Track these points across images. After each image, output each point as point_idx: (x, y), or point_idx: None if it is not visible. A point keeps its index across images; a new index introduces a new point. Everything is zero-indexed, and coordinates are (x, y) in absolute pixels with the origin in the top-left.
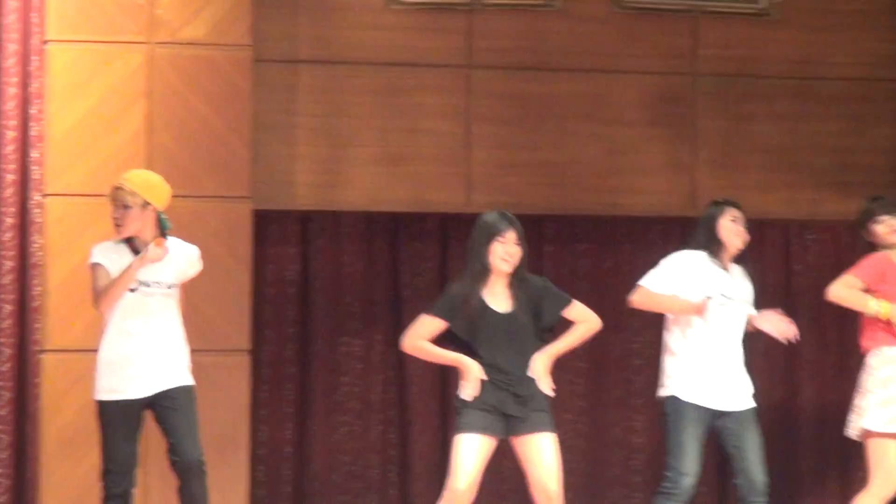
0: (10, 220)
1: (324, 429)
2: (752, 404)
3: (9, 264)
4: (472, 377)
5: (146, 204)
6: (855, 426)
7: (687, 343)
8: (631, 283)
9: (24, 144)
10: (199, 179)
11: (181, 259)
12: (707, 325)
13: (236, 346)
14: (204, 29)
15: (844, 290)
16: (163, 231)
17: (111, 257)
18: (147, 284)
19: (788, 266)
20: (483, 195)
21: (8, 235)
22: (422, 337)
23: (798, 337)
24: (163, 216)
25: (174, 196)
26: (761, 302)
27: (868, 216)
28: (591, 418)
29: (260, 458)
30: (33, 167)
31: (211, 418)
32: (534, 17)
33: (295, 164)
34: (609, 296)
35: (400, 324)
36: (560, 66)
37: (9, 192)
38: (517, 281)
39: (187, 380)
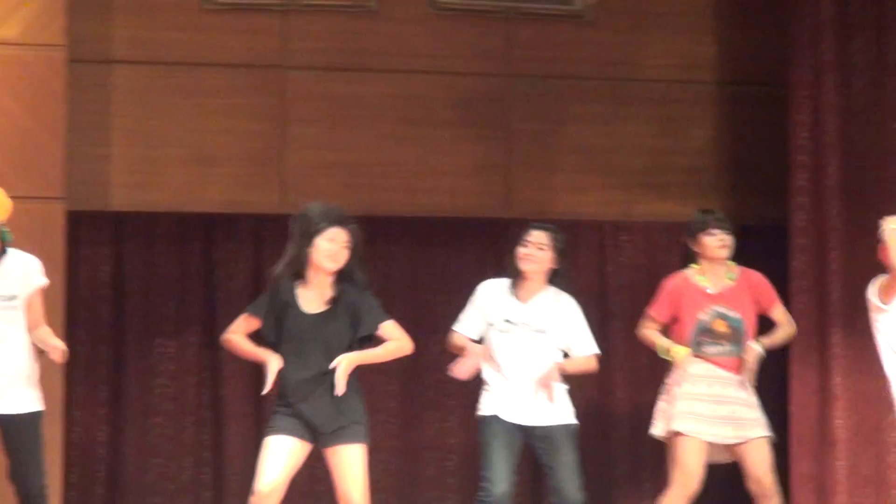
0: None
1: (137, 430)
2: (562, 421)
3: None
4: (270, 371)
5: None
6: (658, 426)
7: (492, 363)
8: (445, 284)
9: None
10: (10, 180)
11: (18, 271)
12: (500, 349)
13: None
14: (17, 29)
15: (644, 332)
16: (3, 243)
17: None
18: None
19: (602, 267)
20: (297, 196)
21: None
22: (235, 332)
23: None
24: (3, 228)
25: None
26: (579, 301)
27: (701, 227)
28: (404, 419)
29: (73, 459)
30: None
31: None
32: (349, 18)
33: (109, 164)
34: (423, 297)
35: (214, 325)
36: (375, 67)
37: None
38: (341, 283)
39: (34, 405)
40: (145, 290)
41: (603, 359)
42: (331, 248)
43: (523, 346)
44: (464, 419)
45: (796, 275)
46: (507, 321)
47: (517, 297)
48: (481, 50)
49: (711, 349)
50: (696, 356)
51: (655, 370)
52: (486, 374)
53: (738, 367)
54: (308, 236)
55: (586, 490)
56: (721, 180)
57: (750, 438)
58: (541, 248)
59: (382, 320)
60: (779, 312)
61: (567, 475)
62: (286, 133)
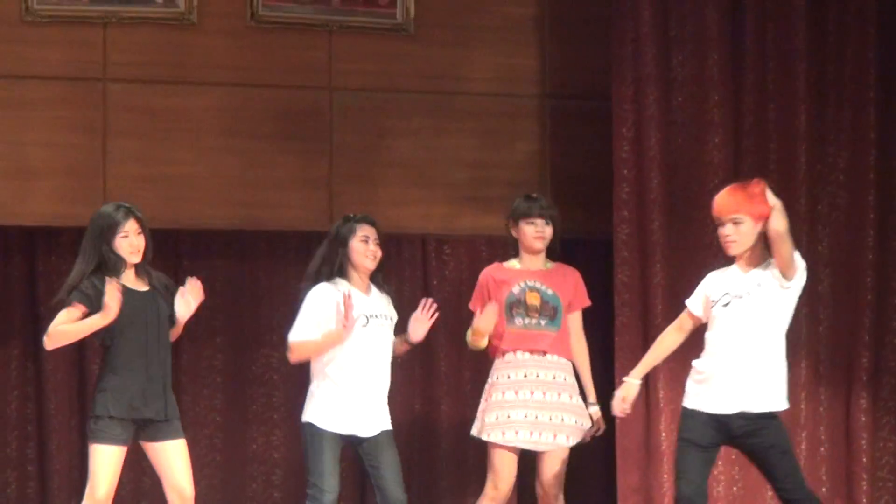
0: None
1: None
2: (386, 428)
3: None
4: (109, 301)
5: None
6: (475, 427)
7: (322, 370)
8: (269, 296)
9: None
10: None
11: None
12: (345, 351)
13: None
14: None
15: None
16: None
17: None
18: None
19: (426, 280)
20: None
21: None
22: (62, 324)
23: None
24: None
25: None
26: (403, 316)
27: (523, 214)
28: (228, 433)
29: None
30: None
31: None
32: (168, 31)
33: None
34: (247, 310)
35: (37, 338)
36: (196, 80)
37: None
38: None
39: None
40: None
41: (426, 372)
42: (129, 243)
43: (386, 339)
44: (288, 433)
45: (620, 288)
46: (367, 315)
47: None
48: (303, 63)
49: (522, 321)
50: (511, 330)
51: (480, 383)
52: (318, 376)
53: (553, 345)
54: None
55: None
56: (545, 193)
57: (553, 447)
58: (377, 243)
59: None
60: (577, 319)
61: (393, 474)
62: (107, 145)
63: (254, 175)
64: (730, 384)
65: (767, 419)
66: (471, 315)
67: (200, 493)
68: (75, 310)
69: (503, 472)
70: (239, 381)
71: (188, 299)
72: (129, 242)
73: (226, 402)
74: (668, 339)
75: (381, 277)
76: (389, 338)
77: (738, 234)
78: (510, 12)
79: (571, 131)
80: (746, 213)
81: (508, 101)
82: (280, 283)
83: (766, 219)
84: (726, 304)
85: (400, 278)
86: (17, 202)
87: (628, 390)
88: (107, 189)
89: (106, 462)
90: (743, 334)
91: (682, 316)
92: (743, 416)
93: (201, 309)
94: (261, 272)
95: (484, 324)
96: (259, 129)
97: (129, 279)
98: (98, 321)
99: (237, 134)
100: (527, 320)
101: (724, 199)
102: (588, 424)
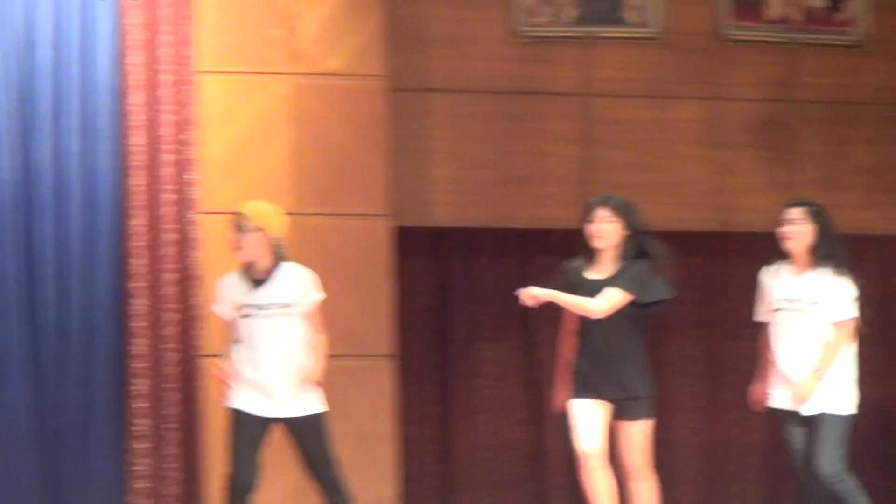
0: (171, 237)
1: (464, 427)
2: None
3: (172, 276)
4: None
5: (261, 230)
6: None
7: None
8: (742, 292)
9: (181, 167)
10: (342, 199)
11: (294, 282)
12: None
13: (380, 351)
14: (343, 61)
15: None
16: (279, 256)
17: (225, 294)
18: (261, 307)
19: (885, 278)
20: None
21: (170, 250)
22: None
23: None
24: (278, 243)
25: (319, 214)
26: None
27: None
28: (706, 418)
29: (408, 453)
30: (190, 188)
31: (358, 417)
32: (644, 49)
33: (430, 184)
34: (718, 306)
35: (529, 329)
36: (671, 94)
37: (169, 210)
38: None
39: (315, 407)
40: (467, 298)
41: None
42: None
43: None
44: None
45: None
46: (787, 300)
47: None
48: (767, 77)
49: None
50: None
51: None
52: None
53: None
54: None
55: None
56: None
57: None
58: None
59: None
60: None
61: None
62: (590, 155)
63: (726, 181)
64: None
65: None
66: None
67: (686, 470)
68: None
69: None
70: (715, 369)
71: None
72: (593, 229)
73: (703, 390)
74: None
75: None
76: None
77: None
78: None
79: None
80: None
81: None
82: (749, 281)
83: None
84: None
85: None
86: (509, 207)
87: None
88: (590, 195)
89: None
90: None
91: None
92: None
93: (679, 303)
94: (734, 270)
95: None
96: (729, 139)
97: (597, 265)
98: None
99: (710, 144)
100: None
101: None
102: None
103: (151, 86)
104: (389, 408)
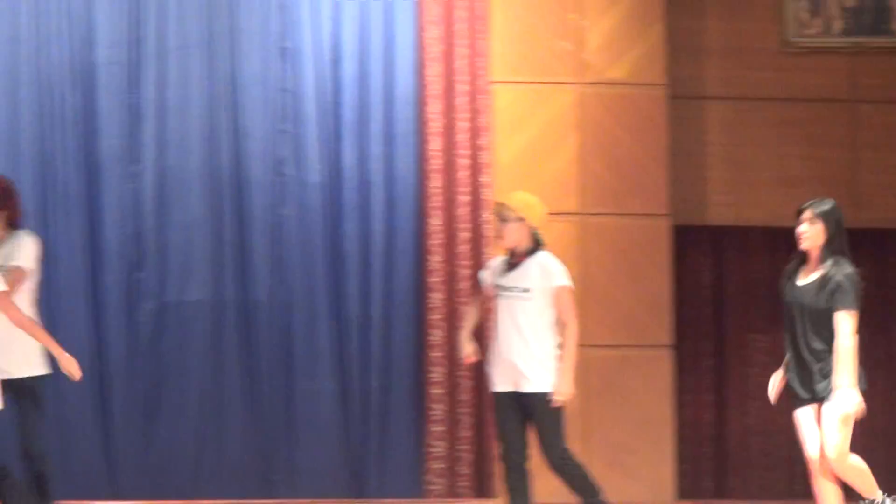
0: (465, 235)
1: (738, 413)
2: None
3: (466, 272)
4: None
5: (521, 219)
6: None
7: None
8: None
9: (475, 170)
10: (624, 199)
11: (540, 269)
12: None
13: (659, 341)
14: (625, 71)
15: None
16: (536, 244)
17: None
18: (506, 289)
19: None
20: (869, 212)
21: (464, 247)
22: None
23: None
24: (537, 232)
25: (603, 214)
26: None
27: None
28: None
29: (684, 437)
30: (483, 189)
31: (639, 403)
32: None
33: (706, 186)
34: None
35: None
36: None
37: (464, 210)
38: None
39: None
40: (741, 293)
41: None
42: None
43: None
44: None
45: None
46: None
47: None
48: None
49: None
50: None
51: None
52: None
53: None
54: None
55: None
56: None
57: None
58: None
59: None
60: None
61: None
62: (858, 158)
63: None
64: None
65: None
66: None
67: None
68: None
69: None
70: None
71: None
72: (798, 231)
73: None
74: None
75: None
76: None
77: None
78: None
79: None
80: None
81: None
82: None
83: None
84: None
85: None
86: (782, 207)
87: None
88: (857, 195)
89: None
90: None
91: None
92: None
93: None
94: None
95: None
96: None
97: (806, 266)
98: None
99: None
100: None
101: None
102: None
103: (448, 95)
104: (668, 394)
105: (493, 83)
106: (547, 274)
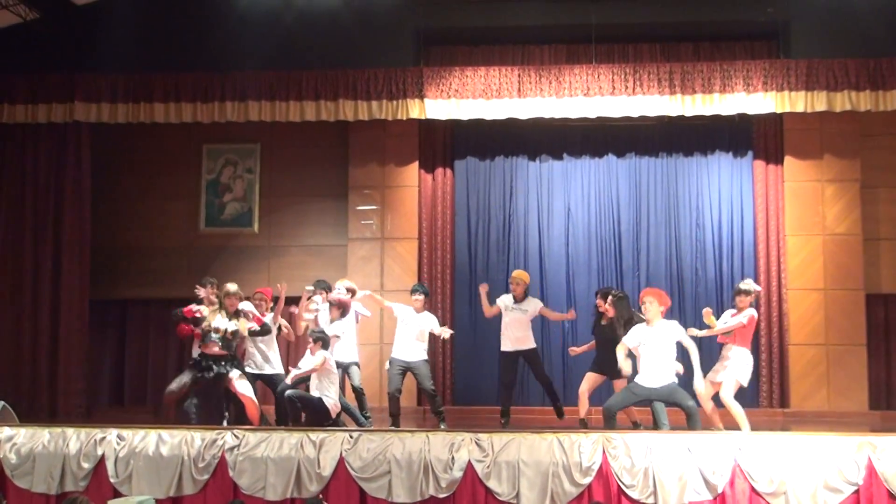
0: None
1: None
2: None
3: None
4: None
5: None
6: None
7: None
8: None
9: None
10: None
11: None
12: None
13: (855, 341)
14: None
15: None
16: None
17: None
18: None
19: None
20: None
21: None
22: None
23: None
24: None
25: None
26: None
27: None
28: None
29: None
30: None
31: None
32: None
33: None
34: None
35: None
36: None
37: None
38: None
39: None
40: None
41: None
42: None
43: None
44: None
45: None
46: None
47: None
48: None
49: None
50: None
51: None
52: None
53: None
54: None
55: None
56: None
57: None
58: None
59: None
60: None
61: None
62: None
63: None
64: None
65: None
66: None
67: None
68: None
69: None
70: None
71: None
72: None
73: None
74: None
75: None
76: None
77: None
78: None
79: None
80: None
81: None
82: None
83: None
84: None
85: None
86: None
87: None
88: None
89: None
90: None
91: None
92: None
93: None
94: None
95: None
96: None
97: None
98: None
99: None
100: None
101: None
102: None
103: (767, 242)
104: (862, 388)
105: (787, 236)
106: None
